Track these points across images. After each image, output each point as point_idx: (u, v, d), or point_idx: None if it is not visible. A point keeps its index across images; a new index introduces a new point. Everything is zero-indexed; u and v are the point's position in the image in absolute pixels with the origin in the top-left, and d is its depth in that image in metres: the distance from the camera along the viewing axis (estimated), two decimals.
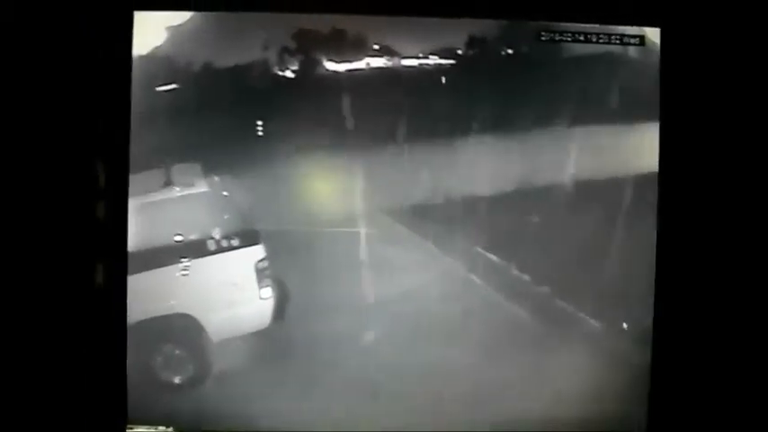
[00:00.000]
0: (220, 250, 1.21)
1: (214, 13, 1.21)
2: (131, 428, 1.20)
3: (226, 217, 1.22)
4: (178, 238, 1.20)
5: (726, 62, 1.19)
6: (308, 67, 1.20)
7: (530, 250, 1.20)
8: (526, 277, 1.20)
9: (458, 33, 1.20)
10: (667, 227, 1.18)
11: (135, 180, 1.19)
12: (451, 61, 1.20)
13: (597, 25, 1.22)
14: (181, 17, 1.20)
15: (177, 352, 1.22)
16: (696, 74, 1.19)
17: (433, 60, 1.20)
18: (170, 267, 1.20)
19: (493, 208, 1.19)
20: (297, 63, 1.20)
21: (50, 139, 1.23)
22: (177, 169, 1.21)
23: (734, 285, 1.18)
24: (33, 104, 1.22)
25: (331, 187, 1.21)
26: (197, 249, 1.20)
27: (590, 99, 1.20)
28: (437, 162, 1.20)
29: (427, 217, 1.20)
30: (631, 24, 1.22)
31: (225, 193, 1.22)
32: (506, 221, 1.20)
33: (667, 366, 1.18)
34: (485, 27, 1.21)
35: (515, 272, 1.20)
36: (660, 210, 1.18)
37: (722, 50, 1.19)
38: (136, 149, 1.19)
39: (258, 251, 1.21)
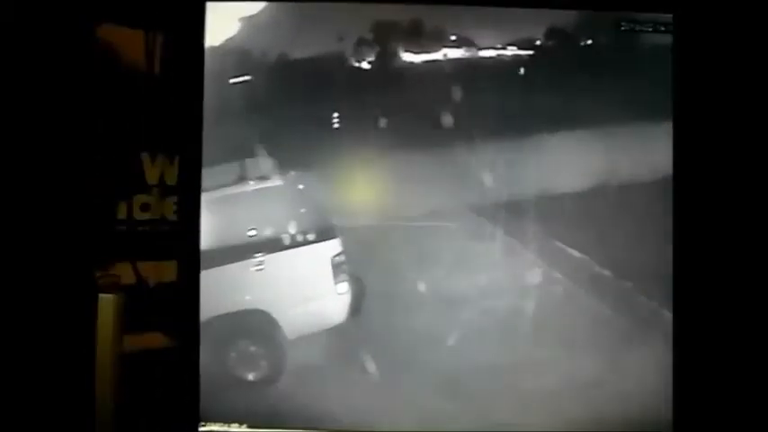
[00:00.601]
0: (295, 245, 1.19)
1: (288, 4, 1.19)
2: (204, 425, 1.18)
3: (301, 211, 1.20)
4: (252, 232, 1.18)
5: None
6: (385, 59, 1.18)
7: (612, 245, 1.17)
8: (608, 272, 1.17)
9: (537, 24, 1.18)
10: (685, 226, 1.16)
11: (208, 174, 1.17)
12: (530, 52, 1.18)
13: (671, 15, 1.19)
14: (254, 7, 1.18)
15: (252, 348, 1.20)
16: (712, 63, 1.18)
17: (512, 51, 1.18)
18: (244, 262, 1.18)
19: (575, 203, 1.17)
20: (373, 54, 1.18)
21: (121, 135, 1.23)
22: (251, 163, 1.19)
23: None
24: (103, 99, 1.21)
25: (408, 181, 1.19)
26: (272, 244, 1.18)
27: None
28: (516, 156, 1.17)
29: (507, 212, 1.18)
30: None
31: (300, 187, 1.20)
32: (588, 216, 1.17)
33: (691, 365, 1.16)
34: (564, 17, 1.18)
35: (597, 267, 1.18)
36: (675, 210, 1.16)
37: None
38: (209, 143, 1.17)
39: (334, 245, 1.19)
